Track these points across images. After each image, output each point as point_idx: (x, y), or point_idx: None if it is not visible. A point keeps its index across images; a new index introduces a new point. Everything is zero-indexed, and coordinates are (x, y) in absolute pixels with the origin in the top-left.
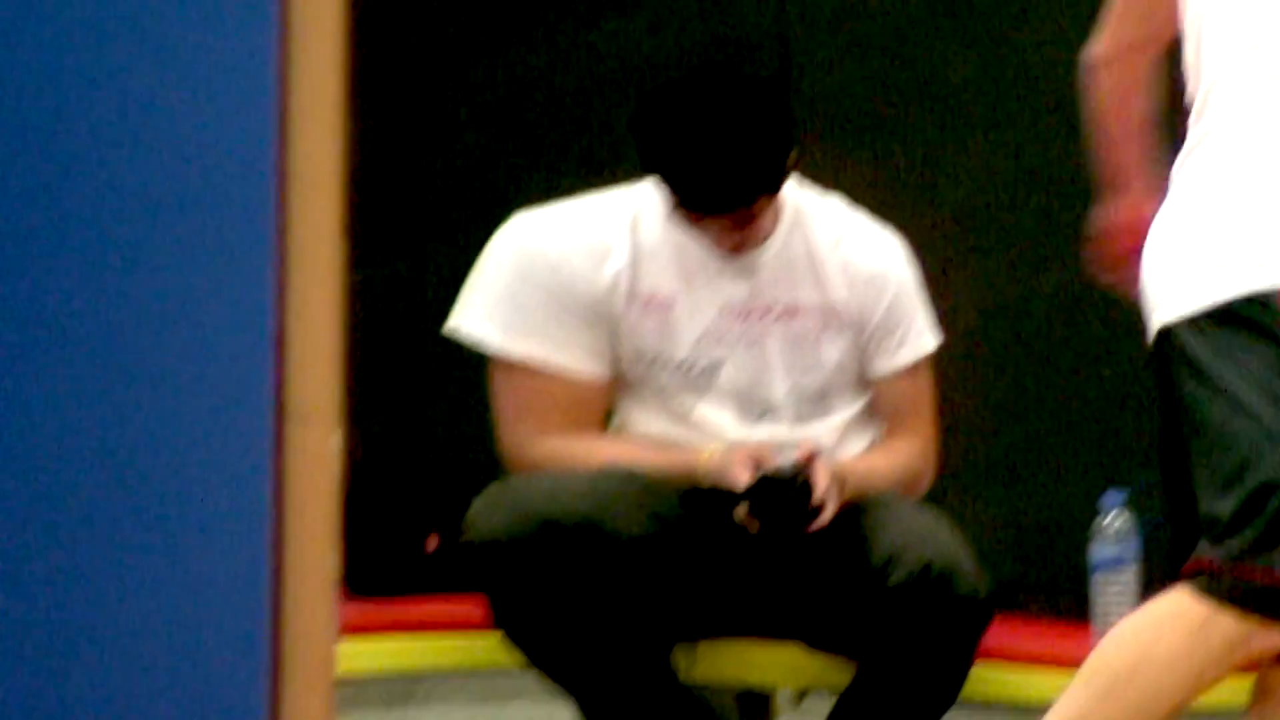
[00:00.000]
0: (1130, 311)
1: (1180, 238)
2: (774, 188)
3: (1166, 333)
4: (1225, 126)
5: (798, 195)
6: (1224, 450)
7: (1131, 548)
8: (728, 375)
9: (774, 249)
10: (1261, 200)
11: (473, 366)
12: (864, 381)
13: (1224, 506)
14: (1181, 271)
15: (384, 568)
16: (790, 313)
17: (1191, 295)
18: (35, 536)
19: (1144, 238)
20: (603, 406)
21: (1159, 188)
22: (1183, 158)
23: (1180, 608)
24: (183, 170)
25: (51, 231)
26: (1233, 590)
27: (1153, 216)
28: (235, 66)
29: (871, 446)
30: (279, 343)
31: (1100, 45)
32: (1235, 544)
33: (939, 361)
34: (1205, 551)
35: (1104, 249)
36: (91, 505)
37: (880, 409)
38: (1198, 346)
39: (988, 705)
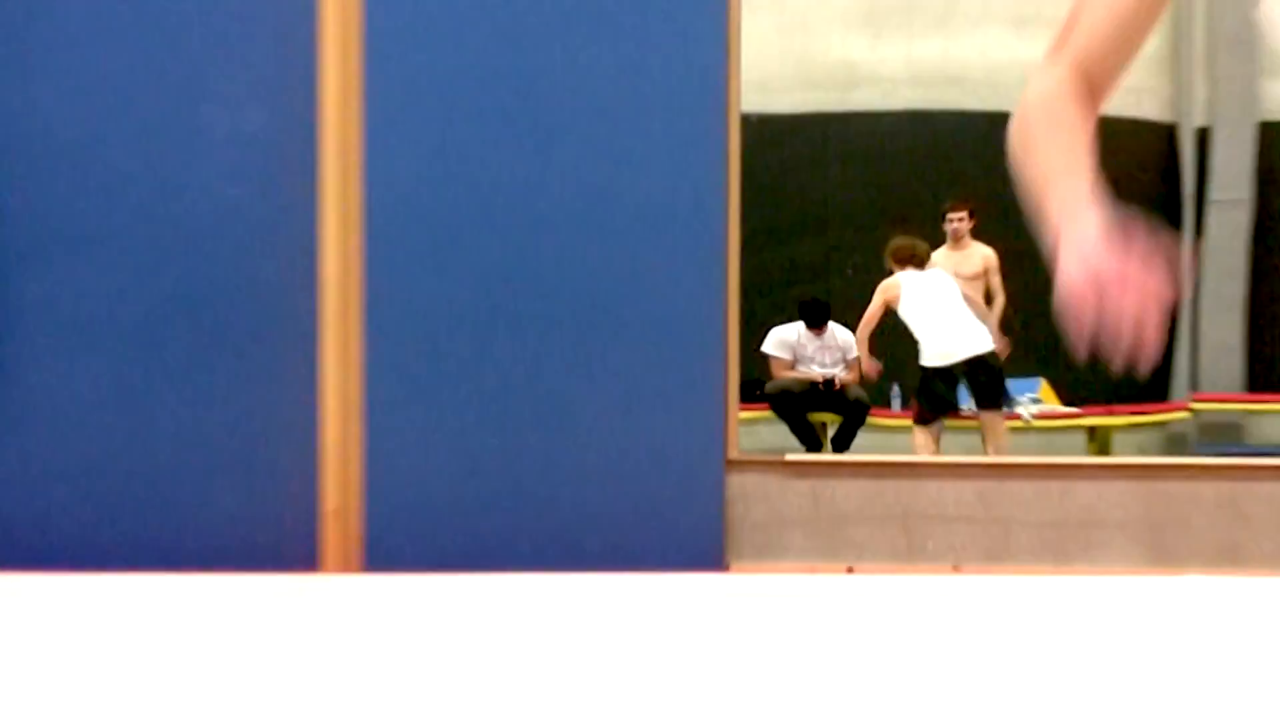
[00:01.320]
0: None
1: None
2: (826, 321)
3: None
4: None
5: (832, 325)
6: (920, 395)
7: (899, 396)
8: (817, 360)
9: (827, 335)
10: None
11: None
12: (847, 361)
13: (919, 409)
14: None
15: (750, 396)
16: (832, 349)
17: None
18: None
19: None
20: (791, 367)
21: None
22: None
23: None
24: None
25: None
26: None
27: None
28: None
29: (844, 373)
30: (724, 334)
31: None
32: (922, 414)
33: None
34: (916, 413)
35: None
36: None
37: (848, 367)
38: (923, 377)
39: (874, 429)
